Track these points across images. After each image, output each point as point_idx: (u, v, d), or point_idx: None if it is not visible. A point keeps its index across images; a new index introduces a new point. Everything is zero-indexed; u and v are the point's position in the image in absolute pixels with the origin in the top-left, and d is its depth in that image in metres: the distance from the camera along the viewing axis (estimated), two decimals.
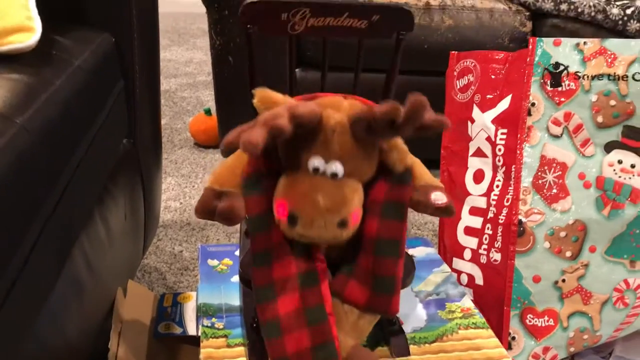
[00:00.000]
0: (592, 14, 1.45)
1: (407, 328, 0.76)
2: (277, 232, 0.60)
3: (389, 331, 0.74)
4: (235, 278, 0.85)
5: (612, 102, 0.86)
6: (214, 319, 0.75)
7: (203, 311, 0.77)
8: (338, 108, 0.60)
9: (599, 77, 0.86)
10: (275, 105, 0.58)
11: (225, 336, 0.72)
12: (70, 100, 0.64)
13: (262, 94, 0.59)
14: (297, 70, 1.49)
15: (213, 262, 0.89)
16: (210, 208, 0.58)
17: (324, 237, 0.58)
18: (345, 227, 0.58)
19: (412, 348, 0.73)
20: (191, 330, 0.86)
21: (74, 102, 0.66)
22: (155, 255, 1.21)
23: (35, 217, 0.54)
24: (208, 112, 1.72)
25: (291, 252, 0.61)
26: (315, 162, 0.58)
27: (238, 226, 1.34)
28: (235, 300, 0.80)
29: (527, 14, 1.51)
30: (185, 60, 2.62)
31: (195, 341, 0.81)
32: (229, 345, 0.71)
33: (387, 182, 0.62)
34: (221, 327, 0.74)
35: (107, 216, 0.82)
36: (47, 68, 0.65)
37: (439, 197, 0.61)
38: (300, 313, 0.60)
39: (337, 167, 0.58)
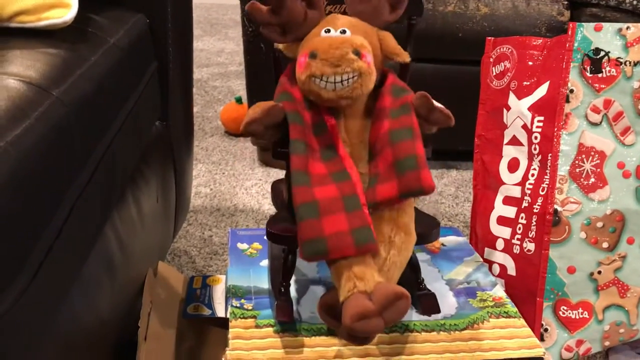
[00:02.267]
0: (635, 2, 1.41)
1: (438, 315, 0.75)
2: (313, 154, 0.65)
3: (419, 294, 0.75)
4: (265, 262, 0.85)
5: None
6: (242, 300, 0.75)
7: (232, 292, 0.77)
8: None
9: None
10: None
11: (254, 317, 0.72)
12: (104, 76, 0.65)
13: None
14: None
15: (243, 246, 0.89)
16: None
17: (341, 66, 0.63)
18: (359, 57, 0.63)
19: (443, 335, 0.72)
20: (220, 312, 0.86)
21: (108, 78, 0.66)
22: (185, 239, 1.22)
23: (69, 188, 0.55)
24: (239, 100, 1.73)
25: (323, 162, 0.66)
26: (327, 28, 0.67)
27: (267, 213, 1.34)
28: (264, 283, 0.80)
29: (565, 2, 1.47)
30: (217, 50, 2.63)
31: (223, 323, 0.81)
32: (257, 326, 0.70)
33: (390, 96, 0.68)
34: (250, 307, 0.73)
35: (139, 197, 0.83)
36: (83, 44, 0.65)
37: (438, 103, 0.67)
38: (337, 199, 0.62)
39: (345, 29, 0.67)
